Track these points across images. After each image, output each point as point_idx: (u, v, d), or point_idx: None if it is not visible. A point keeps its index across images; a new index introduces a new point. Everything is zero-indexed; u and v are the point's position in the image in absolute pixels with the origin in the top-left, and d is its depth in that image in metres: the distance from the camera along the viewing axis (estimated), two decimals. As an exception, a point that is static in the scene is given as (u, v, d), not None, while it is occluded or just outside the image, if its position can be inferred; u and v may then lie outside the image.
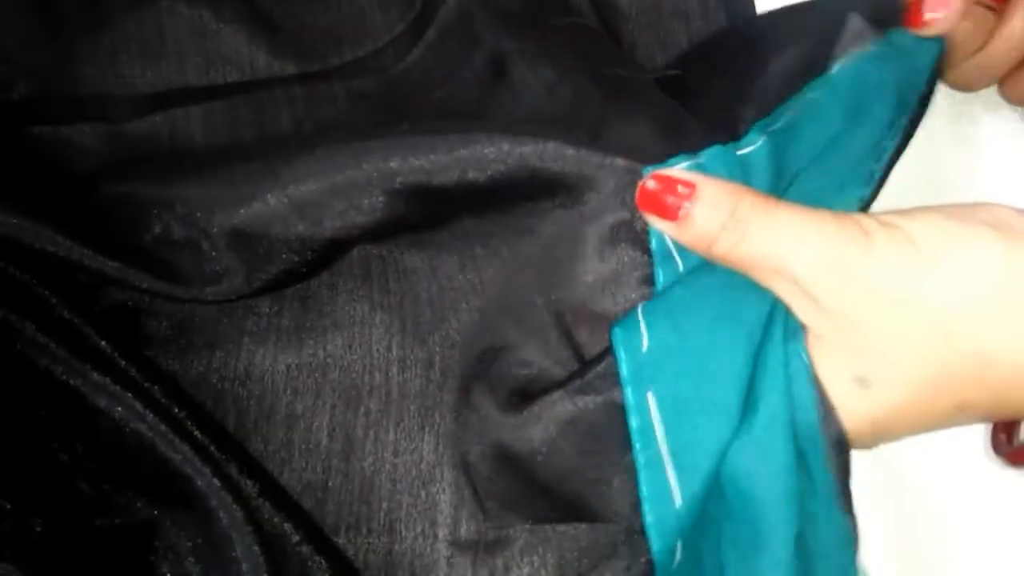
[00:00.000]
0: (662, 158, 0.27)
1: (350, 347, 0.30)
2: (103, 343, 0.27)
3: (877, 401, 0.26)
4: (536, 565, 0.28)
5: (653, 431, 0.26)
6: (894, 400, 0.25)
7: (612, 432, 0.27)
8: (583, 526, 0.28)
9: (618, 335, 0.27)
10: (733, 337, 0.27)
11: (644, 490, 0.26)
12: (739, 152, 0.28)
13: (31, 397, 0.26)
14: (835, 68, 0.29)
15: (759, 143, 0.28)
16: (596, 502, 0.27)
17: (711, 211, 0.26)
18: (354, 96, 0.34)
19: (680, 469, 0.26)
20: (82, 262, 0.27)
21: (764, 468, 0.26)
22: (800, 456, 0.26)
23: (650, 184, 0.26)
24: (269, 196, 0.27)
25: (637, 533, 0.27)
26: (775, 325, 0.27)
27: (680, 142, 0.28)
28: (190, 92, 0.33)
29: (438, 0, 0.34)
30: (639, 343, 0.27)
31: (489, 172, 0.27)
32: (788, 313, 0.27)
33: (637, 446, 0.26)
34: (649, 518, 0.26)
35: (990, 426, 0.35)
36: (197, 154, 0.32)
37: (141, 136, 0.32)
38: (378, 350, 0.30)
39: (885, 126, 0.31)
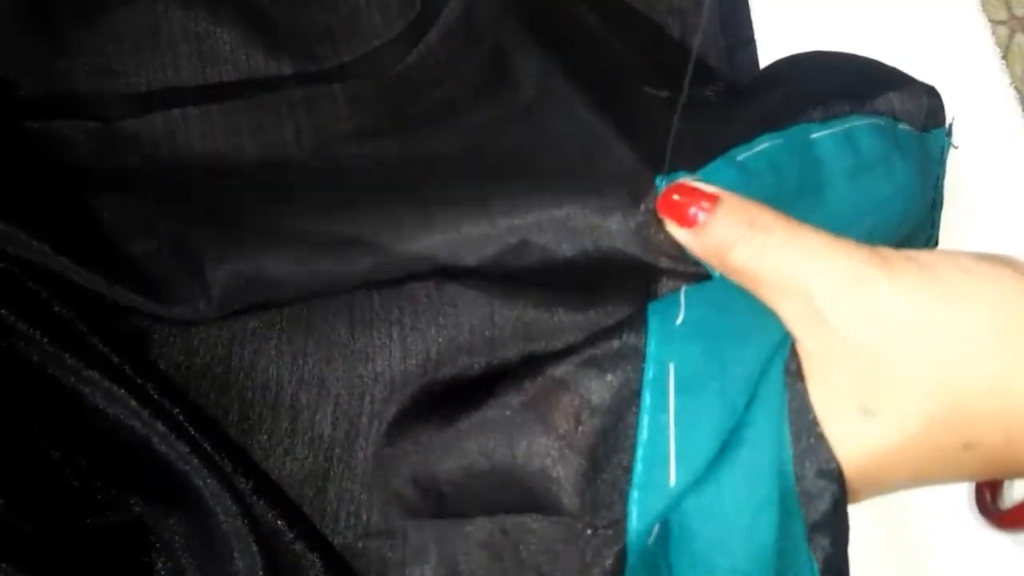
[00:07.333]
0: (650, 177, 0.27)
1: (352, 335, 0.30)
2: (96, 339, 0.27)
3: (883, 433, 0.24)
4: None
5: (667, 399, 0.25)
6: (902, 433, 0.24)
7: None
8: (542, 519, 0.27)
9: (655, 306, 0.27)
10: (758, 345, 0.26)
11: (640, 461, 0.25)
12: (739, 158, 0.28)
13: (23, 393, 0.26)
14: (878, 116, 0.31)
15: (763, 147, 0.28)
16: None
17: (729, 220, 0.26)
18: (353, 99, 0.33)
19: (682, 448, 0.25)
20: (63, 273, 0.27)
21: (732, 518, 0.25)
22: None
23: (672, 193, 0.26)
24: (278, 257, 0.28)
25: (601, 529, 0.26)
26: (776, 361, 0.26)
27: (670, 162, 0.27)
28: (185, 92, 0.33)
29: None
30: (675, 315, 0.26)
31: None
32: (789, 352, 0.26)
33: (647, 403, 0.25)
34: (636, 493, 0.25)
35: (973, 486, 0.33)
36: (203, 185, 0.32)
37: (135, 136, 0.31)
38: (378, 336, 0.30)
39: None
